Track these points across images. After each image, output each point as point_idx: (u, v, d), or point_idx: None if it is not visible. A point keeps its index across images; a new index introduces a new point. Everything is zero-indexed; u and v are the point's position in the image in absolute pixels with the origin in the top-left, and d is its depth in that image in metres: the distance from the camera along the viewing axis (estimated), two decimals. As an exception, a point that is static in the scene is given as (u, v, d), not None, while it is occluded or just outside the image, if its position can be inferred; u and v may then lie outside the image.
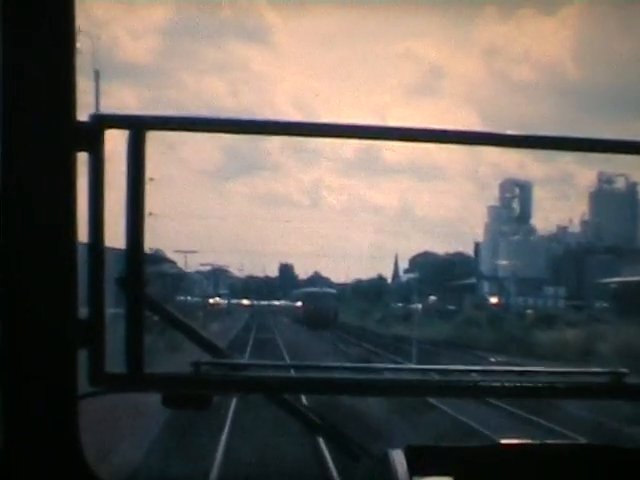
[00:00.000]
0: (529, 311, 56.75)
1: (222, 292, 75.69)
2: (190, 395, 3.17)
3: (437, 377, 3.32)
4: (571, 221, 74.18)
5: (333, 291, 69.56)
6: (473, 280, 74.25)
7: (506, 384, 3.13)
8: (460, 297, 69.09)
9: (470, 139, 3.20)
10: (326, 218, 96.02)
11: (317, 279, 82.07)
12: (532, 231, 72.09)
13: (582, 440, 9.44)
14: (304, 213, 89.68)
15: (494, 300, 63.06)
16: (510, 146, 3.38)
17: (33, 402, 2.96)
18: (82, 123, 2.91)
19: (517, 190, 74.38)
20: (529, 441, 3.24)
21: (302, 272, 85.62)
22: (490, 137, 3.22)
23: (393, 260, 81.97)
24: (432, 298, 69.25)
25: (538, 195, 73.13)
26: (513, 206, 74.49)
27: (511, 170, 76.79)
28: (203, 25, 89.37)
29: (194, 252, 65.38)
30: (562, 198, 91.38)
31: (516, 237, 70.79)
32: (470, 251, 78.00)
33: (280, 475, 13.94)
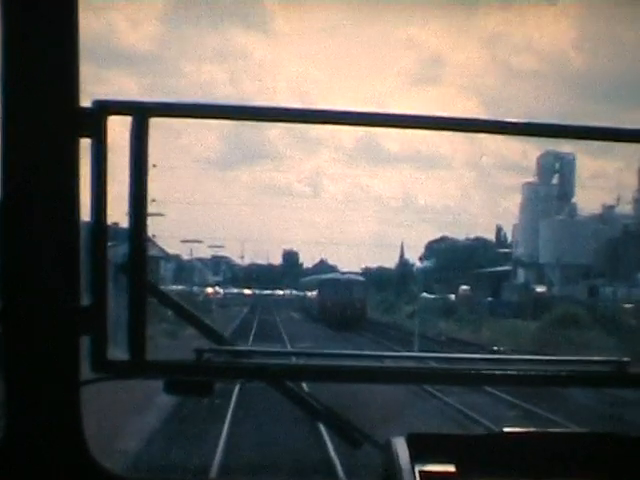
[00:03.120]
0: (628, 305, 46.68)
1: (216, 280, 65.72)
2: (192, 382, 3.24)
3: (440, 365, 3.44)
4: (619, 200, 64.76)
5: (360, 278, 56.01)
6: (506, 267, 65.08)
7: (510, 372, 3.30)
8: (494, 286, 60.10)
9: (471, 126, 3.34)
10: (328, 207, 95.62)
11: (324, 267, 72.86)
12: (576, 211, 62.61)
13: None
14: (306, 202, 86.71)
15: (541, 289, 53.74)
16: (513, 134, 3.36)
17: (36, 388, 3.09)
18: (85, 109, 3.04)
19: (557, 164, 64.90)
20: (531, 429, 3.31)
21: (307, 260, 79.93)
22: (491, 124, 3.31)
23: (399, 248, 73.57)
24: (464, 288, 59.75)
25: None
26: (553, 182, 65.00)
27: (514, 158, 78.24)
28: (203, 13, 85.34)
29: (199, 242, 55.87)
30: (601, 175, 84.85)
31: (559, 217, 61.23)
32: (491, 236, 72.75)
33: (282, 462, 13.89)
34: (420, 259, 75.12)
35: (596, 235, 59.51)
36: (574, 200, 64.71)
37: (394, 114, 3.21)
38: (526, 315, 42.25)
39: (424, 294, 59.61)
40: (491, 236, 72.62)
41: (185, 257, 61.24)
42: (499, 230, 74.93)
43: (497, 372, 3.28)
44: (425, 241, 74.62)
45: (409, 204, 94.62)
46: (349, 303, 47.89)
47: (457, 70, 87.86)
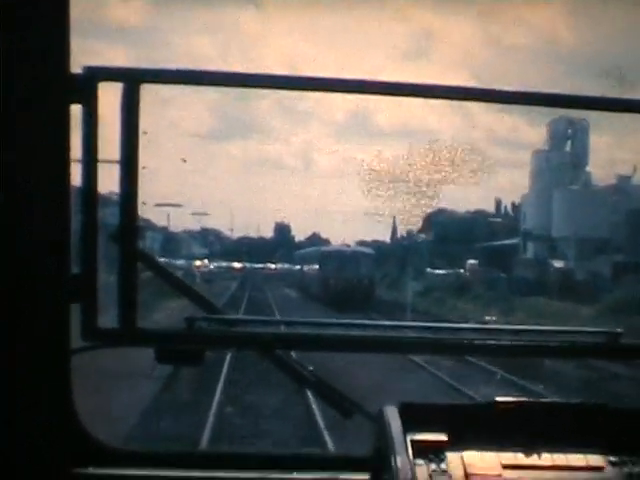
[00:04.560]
0: None
1: (203, 253, 60.92)
2: (183, 350, 3.31)
3: (430, 335, 3.56)
4: (635, 169, 60.32)
5: (368, 250, 49.75)
6: (514, 240, 60.79)
7: (501, 342, 3.39)
8: (504, 261, 55.82)
9: (463, 95, 3.38)
10: (319, 180, 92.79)
11: (316, 240, 68.35)
12: (591, 180, 58.14)
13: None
14: (297, 175, 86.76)
15: (559, 265, 49.35)
16: (505, 102, 3.47)
17: (26, 356, 3.08)
18: (75, 75, 3.05)
19: (570, 130, 60.31)
20: (523, 399, 3.29)
21: (299, 233, 75.87)
22: (485, 93, 3.34)
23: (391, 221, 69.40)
24: (471, 262, 55.37)
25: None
26: (566, 149, 60.45)
27: (503, 133, 77.21)
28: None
29: (176, 206, 50.80)
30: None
31: (574, 187, 56.70)
32: (491, 208, 69.03)
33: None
34: (420, 231, 71.66)
35: (615, 207, 55.11)
36: (588, 169, 60.46)
37: (386, 82, 3.20)
38: (552, 293, 37.86)
39: (429, 269, 55.18)
40: (490, 209, 69.58)
41: (173, 229, 58.15)
42: (498, 203, 72.61)
43: (488, 342, 3.32)
44: (417, 214, 71.42)
45: (399, 177, 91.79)
46: (355, 280, 42.06)
47: (448, 44, 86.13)
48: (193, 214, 56.95)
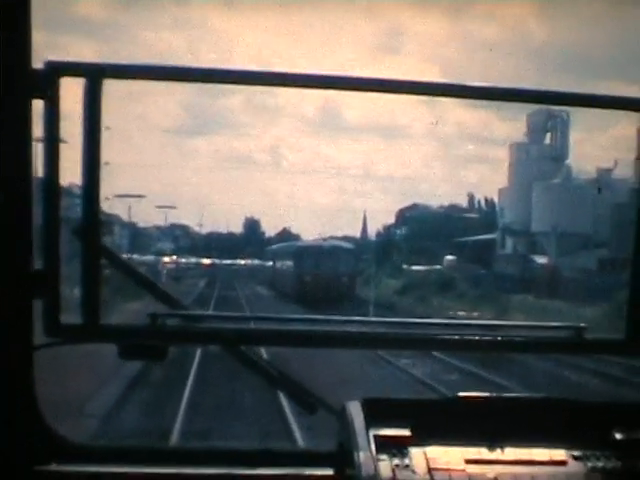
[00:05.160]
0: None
1: (169, 248, 58.61)
2: (146, 346, 3.25)
3: (400, 330, 3.52)
4: (617, 162, 58.80)
5: (349, 245, 46.03)
6: (491, 235, 59.18)
7: (465, 338, 3.36)
8: (483, 256, 54.20)
9: (433, 90, 3.31)
10: (289, 176, 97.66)
11: (287, 236, 66.68)
12: (572, 173, 56.53)
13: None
14: (265, 171, 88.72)
15: (543, 261, 47.62)
16: (474, 98, 3.50)
17: None
18: (37, 70, 3.01)
19: (549, 123, 58.72)
20: (486, 394, 3.27)
21: (268, 228, 78.31)
22: (454, 88, 3.34)
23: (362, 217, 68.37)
24: (449, 258, 53.59)
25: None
26: (546, 142, 58.85)
27: (475, 130, 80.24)
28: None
29: (138, 196, 48.52)
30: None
31: (555, 180, 55.11)
32: (465, 203, 70.00)
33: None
34: (394, 227, 70.33)
35: (597, 201, 53.50)
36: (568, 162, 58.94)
37: (356, 77, 3.22)
38: (540, 291, 36.01)
39: (405, 266, 53.32)
40: (463, 203, 70.00)
41: (142, 225, 57.73)
42: (471, 197, 71.69)
43: (453, 337, 3.32)
44: (388, 209, 75.18)
45: (370, 173, 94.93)
46: (334, 277, 38.49)
47: (418, 40, 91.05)
48: (158, 207, 55.35)
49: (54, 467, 3.33)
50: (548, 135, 59.00)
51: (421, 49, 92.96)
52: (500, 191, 61.94)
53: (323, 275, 38.61)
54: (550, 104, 3.57)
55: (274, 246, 53.31)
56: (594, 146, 75.92)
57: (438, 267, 50.67)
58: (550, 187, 54.36)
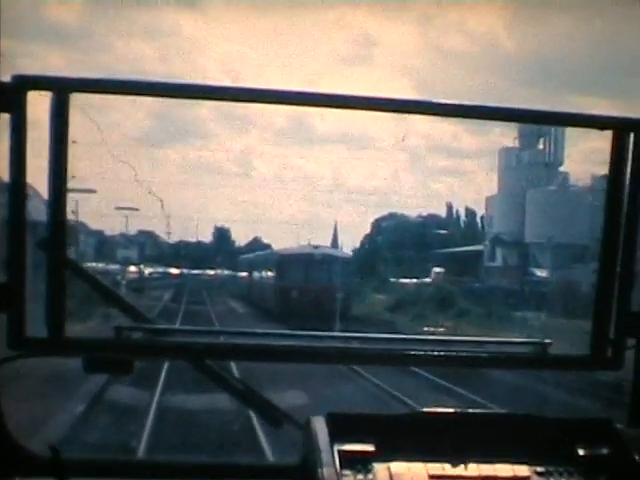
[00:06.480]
0: None
1: (129, 256, 54.30)
2: (111, 359, 3.23)
3: (364, 345, 3.56)
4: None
5: (344, 254, 40.45)
6: (479, 247, 55.63)
7: (431, 353, 3.36)
8: (473, 269, 50.55)
9: (401, 107, 3.35)
10: (258, 186, 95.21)
11: (258, 245, 62.71)
12: (568, 181, 53.04)
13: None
14: (235, 181, 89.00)
15: (542, 274, 43.85)
16: (443, 115, 3.49)
17: None
18: (4, 84, 3.00)
19: (543, 127, 55.08)
20: (450, 409, 3.30)
21: (238, 238, 74.39)
22: (422, 105, 3.35)
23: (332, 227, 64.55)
24: (437, 270, 49.82)
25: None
26: (539, 147, 55.31)
27: (443, 141, 79.56)
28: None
29: (90, 191, 44.34)
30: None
31: (551, 188, 51.57)
32: (443, 213, 67.51)
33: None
34: (371, 238, 67.02)
35: (596, 210, 49.68)
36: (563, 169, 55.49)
37: (325, 94, 3.21)
38: (554, 309, 32.02)
39: (392, 279, 49.38)
40: (442, 213, 67.31)
41: (109, 232, 55.24)
42: (449, 207, 68.67)
43: (420, 352, 3.33)
44: (362, 220, 73.07)
45: (339, 184, 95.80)
46: (327, 293, 32.31)
47: (388, 51, 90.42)
48: (117, 208, 51.24)
49: None
50: (541, 140, 55.54)
51: (391, 59, 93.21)
52: (487, 200, 58.26)
53: (313, 290, 33.03)
54: (517, 122, 2.69)
55: (251, 255, 47.79)
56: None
57: (427, 280, 46.81)
58: (545, 195, 50.79)
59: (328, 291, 32.37)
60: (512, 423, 3.24)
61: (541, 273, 44.44)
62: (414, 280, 47.46)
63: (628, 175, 3.35)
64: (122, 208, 50.05)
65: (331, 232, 59.97)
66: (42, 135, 3.05)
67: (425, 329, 28.62)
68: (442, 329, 27.88)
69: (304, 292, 33.03)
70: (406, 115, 4.21)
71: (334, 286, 32.89)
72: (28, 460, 3.40)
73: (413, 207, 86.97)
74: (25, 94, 2.97)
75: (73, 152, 3.02)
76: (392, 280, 48.15)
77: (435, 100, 3.23)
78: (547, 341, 3.32)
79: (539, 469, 3.09)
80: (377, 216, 69.21)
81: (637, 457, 3.10)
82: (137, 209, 53.13)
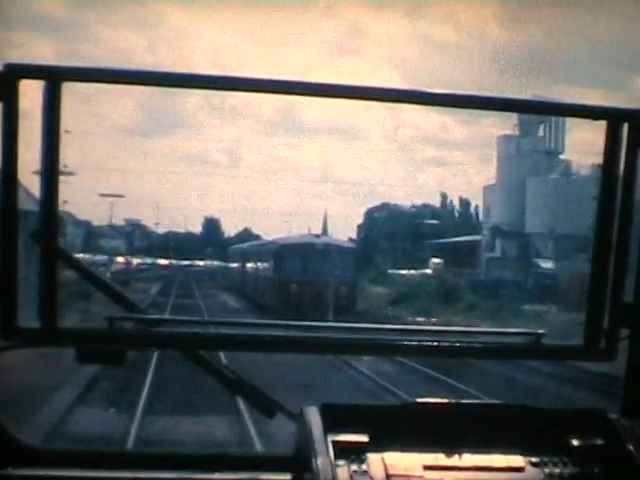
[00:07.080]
0: None
1: (124, 249, 52.74)
2: (103, 350, 3.26)
3: (356, 336, 3.50)
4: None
5: (348, 244, 37.68)
6: (476, 237, 54.25)
7: (424, 343, 3.34)
8: (467, 260, 49.13)
9: (392, 96, 3.32)
10: (247, 177, 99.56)
11: (248, 236, 61.53)
12: (570, 169, 51.55)
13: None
14: (224, 172, 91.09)
15: (547, 265, 42.30)
16: (433, 105, 3.67)
17: None
18: None
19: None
20: (444, 400, 3.31)
21: (227, 229, 75.78)
22: (412, 95, 3.36)
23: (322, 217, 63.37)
24: (436, 261, 48.28)
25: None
26: (540, 134, 53.76)
27: (432, 132, 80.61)
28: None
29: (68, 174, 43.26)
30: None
31: (552, 176, 50.06)
32: (437, 203, 69.17)
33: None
34: (364, 228, 65.75)
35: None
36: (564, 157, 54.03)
37: (314, 83, 3.21)
38: (567, 303, 30.35)
39: (390, 270, 47.79)
40: (436, 203, 68.87)
41: (95, 223, 54.35)
42: (444, 197, 69.78)
43: (413, 343, 3.36)
44: (352, 210, 73.14)
45: (327, 174, 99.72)
46: (330, 285, 29.48)
47: (377, 41, 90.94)
48: (101, 195, 49.73)
49: (10, 471, 3.37)
50: (541, 127, 54.03)
51: (381, 50, 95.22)
52: (485, 189, 56.79)
53: (315, 282, 30.49)
54: (510, 111, 3.47)
55: (243, 245, 45.88)
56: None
57: (427, 271, 45.22)
58: (546, 184, 49.23)
59: (331, 284, 29.91)
60: (506, 414, 3.28)
61: (545, 264, 42.91)
62: (412, 271, 45.88)
63: (622, 165, 3.33)
64: (106, 195, 48.76)
65: (320, 222, 58.51)
66: (29, 125, 3.04)
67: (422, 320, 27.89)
68: (451, 325, 25.73)
69: (304, 285, 30.85)
70: (396, 106, 3.95)
71: (337, 279, 30.54)
72: (21, 451, 3.47)
73: (405, 196, 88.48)
74: (17, 83, 3.01)
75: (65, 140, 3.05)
76: (390, 271, 46.61)
77: (426, 90, 3.28)
78: (540, 331, 3.35)
79: (533, 459, 3.13)
80: (369, 206, 68.49)
81: (631, 447, 3.14)
82: (122, 196, 51.65)
